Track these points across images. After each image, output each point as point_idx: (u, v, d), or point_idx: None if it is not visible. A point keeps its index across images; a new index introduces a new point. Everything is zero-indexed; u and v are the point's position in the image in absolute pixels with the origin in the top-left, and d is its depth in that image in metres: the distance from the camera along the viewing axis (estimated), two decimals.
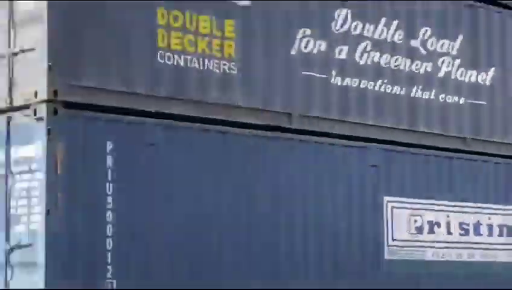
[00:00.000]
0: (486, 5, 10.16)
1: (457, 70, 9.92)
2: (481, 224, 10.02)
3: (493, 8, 10.32)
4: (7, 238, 7.24)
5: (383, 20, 9.35)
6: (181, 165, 7.75)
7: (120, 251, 7.26)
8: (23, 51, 7.29)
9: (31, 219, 7.09)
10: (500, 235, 10.21)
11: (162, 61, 7.70)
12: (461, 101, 9.95)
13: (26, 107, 7.17)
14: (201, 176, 7.87)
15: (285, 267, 8.38)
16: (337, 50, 8.99)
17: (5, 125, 7.41)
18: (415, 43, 9.62)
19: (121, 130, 7.41)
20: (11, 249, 7.22)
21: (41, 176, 7.01)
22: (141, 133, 7.54)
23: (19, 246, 7.14)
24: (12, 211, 7.27)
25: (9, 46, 7.44)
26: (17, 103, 7.31)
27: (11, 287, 7.16)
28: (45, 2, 7.06)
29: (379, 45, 9.30)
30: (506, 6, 10.30)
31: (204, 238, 7.86)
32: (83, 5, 7.18)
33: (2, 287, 7.21)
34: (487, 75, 10.22)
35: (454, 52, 9.92)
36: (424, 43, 9.68)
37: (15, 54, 7.37)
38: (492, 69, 10.28)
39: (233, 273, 8.03)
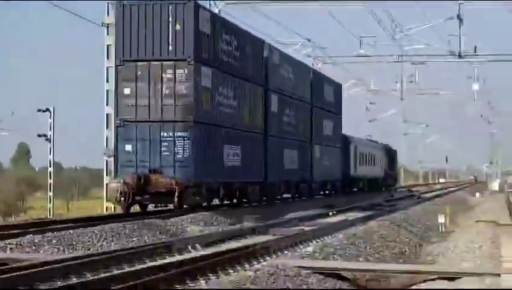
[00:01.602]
0: None
1: None
2: None
3: None
4: (174, 158, 25.12)
5: None
6: None
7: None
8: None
9: (184, 152, 25.16)
10: None
11: None
12: None
13: (184, 121, 25.08)
14: None
15: None
16: None
17: (173, 125, 25.15)
18: None
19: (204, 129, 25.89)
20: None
21: (189, 141, 25.19)
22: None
23: (180, 161, 25.19)
24: (176, 150, 25.16)
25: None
26: (178, 118, 25.11)
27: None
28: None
29: None
30: None
31: None
32: None
33: (172, 174, 25.08)
34: None
35: None
36: None
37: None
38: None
39: None
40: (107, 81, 30.81)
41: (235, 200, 30.57)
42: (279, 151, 34.39)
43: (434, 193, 64.88)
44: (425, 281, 15.54)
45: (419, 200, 47.80)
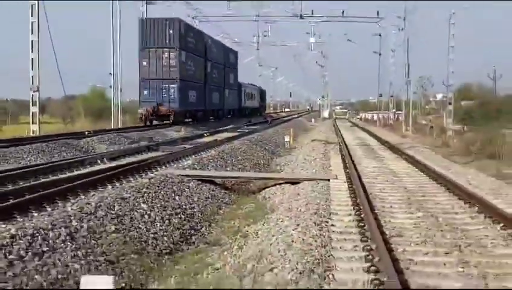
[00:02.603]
0: None
1: None
2: None
3: None
4: (169, 98, 49.63)
5: None
6: None
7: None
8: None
9: (174, 94, 49.72)
10: None
11: None
12: None
13: (173, 79, 49.48)
14: None
15: None
16: None
17: (168, 81, 49.67)
18: None
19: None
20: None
21: (176, 88, 49.81)
22: None
23: (172, 99, 49.70)
24: (170, 93, 49.63)
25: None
26: (171, 78, 49.58)
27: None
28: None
29: None
30: None
31: None
32: None
33: (168, 106, 49.64)
34: None
35: None
36: None
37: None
38: None
39: None
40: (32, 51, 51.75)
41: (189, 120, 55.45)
42: (210, 93, 59.63)
43: (281, 120, 75.69)
44: (275, 184, 17.86)
45: (270, 125, 56.67)
